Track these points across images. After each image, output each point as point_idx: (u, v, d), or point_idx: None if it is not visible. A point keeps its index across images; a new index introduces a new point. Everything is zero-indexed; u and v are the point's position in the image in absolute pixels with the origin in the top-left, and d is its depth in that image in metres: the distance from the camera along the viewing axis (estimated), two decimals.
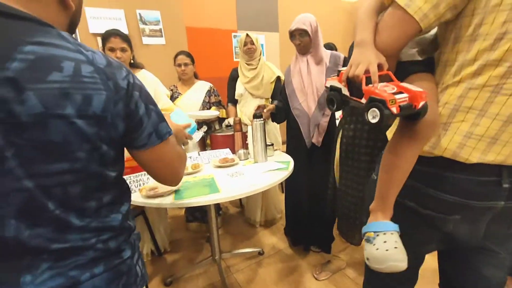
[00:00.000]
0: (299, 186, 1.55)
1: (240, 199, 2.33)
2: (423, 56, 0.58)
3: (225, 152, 1.53)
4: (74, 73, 0.38)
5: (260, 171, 1.26)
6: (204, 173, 1.26)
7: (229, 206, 2.45)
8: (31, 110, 0.35)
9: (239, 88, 1.89)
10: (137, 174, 1.22)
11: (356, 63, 0.51)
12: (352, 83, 0.53)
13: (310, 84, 1.42)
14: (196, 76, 1.94)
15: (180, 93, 1.86)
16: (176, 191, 1.04)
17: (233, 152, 1.55)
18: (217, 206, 2.13)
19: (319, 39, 1.40)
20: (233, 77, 1.94)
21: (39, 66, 0.35)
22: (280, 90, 1.67)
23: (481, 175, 0.49)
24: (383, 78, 0.50)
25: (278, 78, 1.85)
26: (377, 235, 0.55)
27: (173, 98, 1.82)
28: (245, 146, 1.51)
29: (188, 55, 1.83)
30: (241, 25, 2.98)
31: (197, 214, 2.01)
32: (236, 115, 1.93)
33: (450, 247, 0.62)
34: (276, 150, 1.63)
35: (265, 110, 1.49)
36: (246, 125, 1.78)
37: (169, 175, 0.57)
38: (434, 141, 0.52)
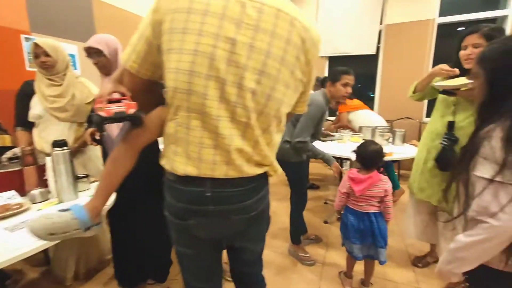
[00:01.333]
0: (123, 217, 1.38)
1: (45, 253, 1.72)
2: None
3: (6, 197, 1.10)
4: None
5: None
6: None
7: (24, 268, 1.75)
8: None
9: (36, 108, 1.47)
10: None
11: (101, 92, 0.69)
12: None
13: None
14: None
15: None
16: None
17: (23, 194, 1.15)
18: (1, 275, 1.47)
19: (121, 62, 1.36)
20: (26, 93, 1.48)
21: None
22: None
23: (195, 186, 0.63)
24: (119, 101, 0.66)
25: None
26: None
27: None
28: (42, 183, 1.17)
29: None
30: (36, 26, 2.29)
31: None
32: (29, 143, 1.46)
33: (216, 245, 0.76)
34: (94, 182, 1.39)
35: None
36: (48, 155, 1.39)
37: None
38: (164, 159, 0.66)
